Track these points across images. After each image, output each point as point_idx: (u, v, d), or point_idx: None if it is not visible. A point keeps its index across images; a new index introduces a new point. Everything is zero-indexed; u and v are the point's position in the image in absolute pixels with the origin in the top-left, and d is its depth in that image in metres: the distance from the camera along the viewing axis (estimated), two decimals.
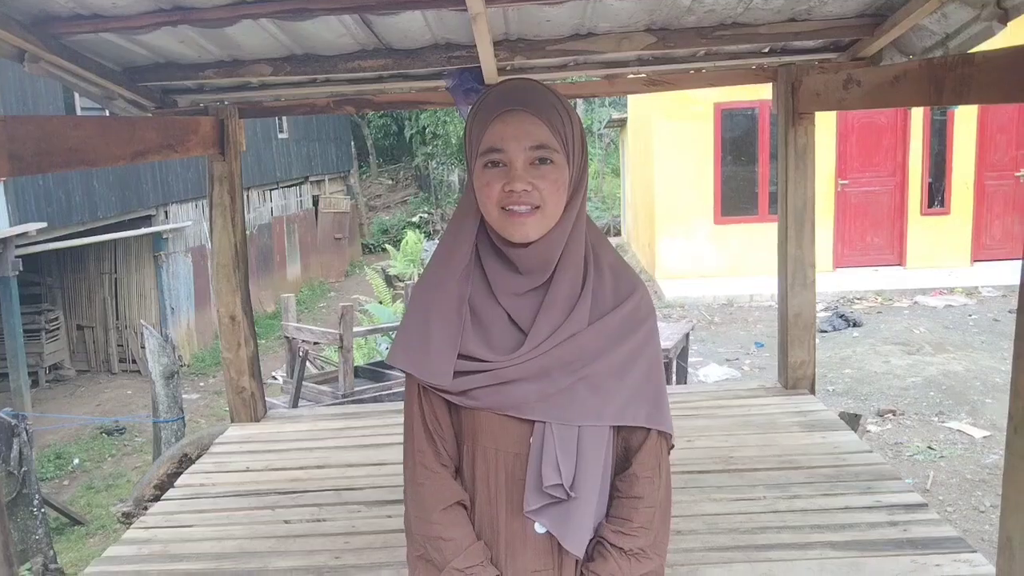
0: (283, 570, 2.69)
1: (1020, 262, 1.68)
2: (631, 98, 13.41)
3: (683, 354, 6.30)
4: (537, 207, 1.18)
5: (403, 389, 1.32)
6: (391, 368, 6.92)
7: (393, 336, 8.63)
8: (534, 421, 1.23)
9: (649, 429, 1.28)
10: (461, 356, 1.22)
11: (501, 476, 1.24)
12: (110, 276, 11.16)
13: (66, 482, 7.63)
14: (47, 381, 10.44)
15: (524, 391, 1.21)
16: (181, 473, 3.65)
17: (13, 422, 5.11)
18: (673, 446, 1.35)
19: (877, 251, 11.12)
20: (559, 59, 3.33)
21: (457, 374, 1.23)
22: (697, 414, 3.78)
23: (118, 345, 11.06)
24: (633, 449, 1.29)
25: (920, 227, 10.92)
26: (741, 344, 8.76)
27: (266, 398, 4.28)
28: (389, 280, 13.35)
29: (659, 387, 1.29)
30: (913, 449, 5.89)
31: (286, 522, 3.04)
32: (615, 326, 1.24)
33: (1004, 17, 2.52)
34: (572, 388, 1.22)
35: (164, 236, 11.17)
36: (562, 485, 1.20)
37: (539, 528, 1.24)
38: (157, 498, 3.52)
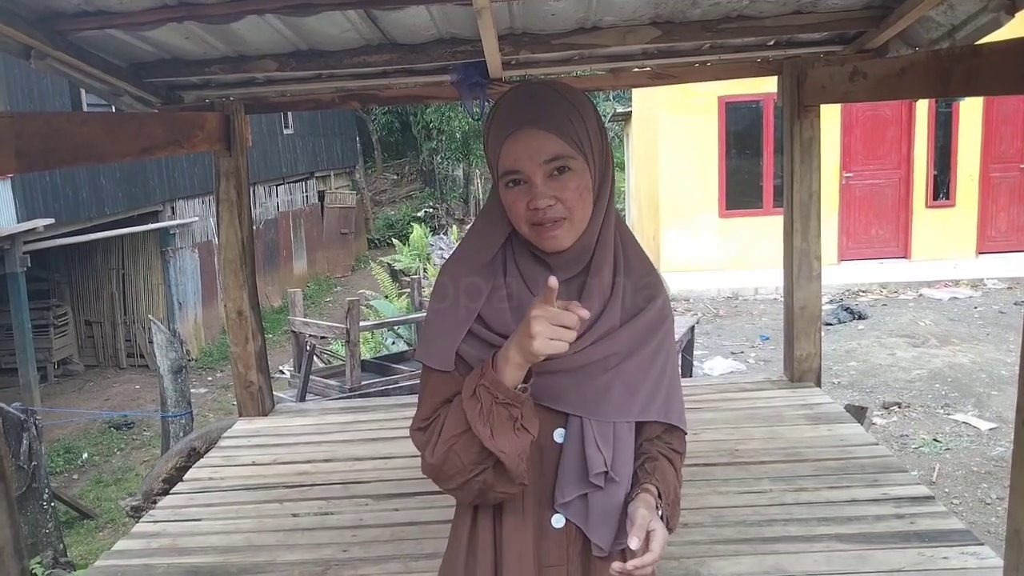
0: (291, 563, 2.70)
1: None
2: (635, 92, 13.38)
3: (688, 347, 6.31)
4: (564, 218, 1.20)
5: (410, 383, 1.31)
6: (397, 362, 6.95)
7: (398, 330, 8.61)
8: (565, 414, 1.25)
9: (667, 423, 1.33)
10: (504, 337, 1.23)
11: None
12: (118, 272, 11.20)
13: (75, 476, 7.68)
14: (56, 376, 10.50)
15: (561, 383, 1.24)
16: (189, 467, 3.66)
17: (22, 417, 5.14)
18: (686, 432, 1.39)
19: (882, 244, 11.09)
20: (564, 53, 3.33)
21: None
22: (703, 407, 3.79)
23: (126, 340, 11.10)
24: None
25: (925, 219, 10.89)
26: (746, 337, 8.76)
27: (273, 392, 4.30)
28: (395, 275, 13.36)
29: (676, 382, 1.34)
30: (919, 441, 5.89)
31: (294, 515, 3.06)
32: (644, 327, 1.28)
33: (1011, 8, 2.50)
34: (607, 385, 1.24)
35: (171, 232, 11.21)
36: (607, 472, 1.22)
37: (556, 523, 1.25)
38: (165, 492, 3.54)
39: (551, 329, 1.10)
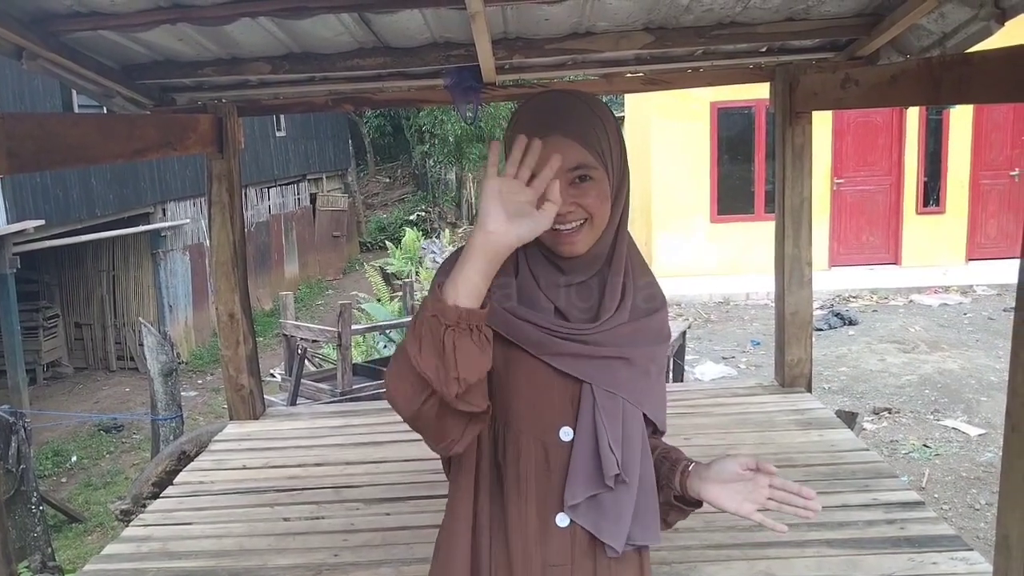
0: (282, 568, 2.70)
1: (1017, 260, 1.68)
2: (628, 97, 13.38)
3: (679, 352, 6.31)
4: (584, 221, 1.22)
5: None
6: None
7: (390, 334, 8.53)
8: (573, 414, 1.24)
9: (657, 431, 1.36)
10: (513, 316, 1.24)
11: (530, 465, 1.25)
12: (108, 274, 11.14)
13: (64, 479, 7.63)
14: (45, 378, 10.43)
15: (571, 359, 1.24)
16: (179, 471, 3.65)
17: (11, 420, 5.11)
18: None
19: (872, 250, 11.14)
20: (557, 58, 3.34)
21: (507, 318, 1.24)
22: (694, 412, 3.79)
23: (116, 342, 11.05)
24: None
25: (915, 226, 10.94)
26: (737, 342, 8.78)
27: (264, 396, 4.28)
28: (387, 278, 13.33)
29: (664, 390, 1.38)
30: (908, 447, 5.91)
31: (285, 520, 3.04)
32: (649, 330, 1.31)
33: (1001, 17, 2.52)
34: (612, 363, 1.26)
35: (162, 234, 11.16)
36: (619, 473, 1.22)
37: (560, 521, 1.25)
38: (155, 496, 3.52)
39: (510, 202, 1.01)
